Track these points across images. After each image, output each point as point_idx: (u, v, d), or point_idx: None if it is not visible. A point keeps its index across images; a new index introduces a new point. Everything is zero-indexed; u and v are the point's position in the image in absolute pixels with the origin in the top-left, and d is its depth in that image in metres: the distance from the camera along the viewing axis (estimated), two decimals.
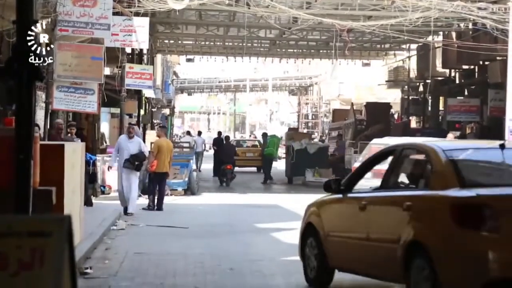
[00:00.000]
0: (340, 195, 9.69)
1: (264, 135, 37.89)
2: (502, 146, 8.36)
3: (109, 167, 21.55)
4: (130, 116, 31.78)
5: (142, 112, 35.07)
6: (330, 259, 9.64)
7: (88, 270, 10.73)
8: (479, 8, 22.96)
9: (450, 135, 24.47)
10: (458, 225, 7.47)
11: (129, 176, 19.03)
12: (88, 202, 17.94)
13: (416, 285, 7.88)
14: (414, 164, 9.06)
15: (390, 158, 9.36)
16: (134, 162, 18.95)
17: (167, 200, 23.07)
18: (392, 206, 8.70)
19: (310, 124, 72.01)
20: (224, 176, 30.19)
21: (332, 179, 10.49)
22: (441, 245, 7.61)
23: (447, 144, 9.36)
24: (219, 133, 40.53)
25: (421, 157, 8.80)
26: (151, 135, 34.49)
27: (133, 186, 19.22)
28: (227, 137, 36.26)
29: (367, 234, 8.91)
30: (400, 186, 8.99)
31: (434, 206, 7.99)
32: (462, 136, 31.76)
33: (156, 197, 20.30)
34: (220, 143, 35.46)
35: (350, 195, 9.56)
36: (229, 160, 30.68)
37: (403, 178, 9.11)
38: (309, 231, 10.10)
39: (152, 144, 20.96)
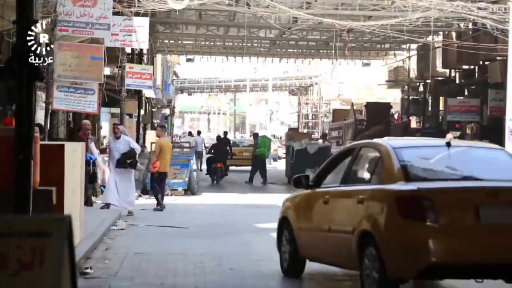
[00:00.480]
0: (310, 190, 10.48)
1: (255, 135, 38.02)
2: (448, 144, 9.22)
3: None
4: (130, 116, 31.80)
5: (142, 112, 35.09)
6: (301, 250, 10.40)
7: (88, 270, 10.72)
8: (479, 8, 22.96)
9: (449, 135, 24.48)
10: (401, 216, 8.28)
11: (123, 176, 18.92)
12: (88, 202, 17.95)
13: (367, 272, 8.60)
14: (370, 160, 9.66)
15: (351, 156, 10.06)
16: (126, 160, 18.86)
17: (167, 200, 23.05)
18: (349, 200, 9.44)
19: (310, 124, 72.05)
20: (214, 174, 31.14)
21: (301, 175, 11.03)
22: (387, 234, 8.39)
23: (398, 142, 9.97)
24: (225, 133, 40.77)
25: (375, 154, 9.40)
26: (151, 135, 34.52)
27: (130, 184, 19.14)
28: (219, 137, 36.91)
29: (329, 226, 9.68)
30: (357, 181, 9.70)
31: (381, 199, 8.72)
32: (462, 136, 31.77)
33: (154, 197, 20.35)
34: (226, 142, 36.07)
35: (317, 190, 10.31)
36: (221, 159, 31.73)
37: (360, 173, 9.89)
38: (284, 225, 10.94)
39: (153, 145, 20.89)
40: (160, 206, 20.13)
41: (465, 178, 8.93)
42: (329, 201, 9.84)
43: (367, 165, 9.77)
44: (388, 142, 9.73)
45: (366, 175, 9.67)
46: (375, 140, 10.17)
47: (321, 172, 10.69)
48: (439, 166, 9.21)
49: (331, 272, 10.84)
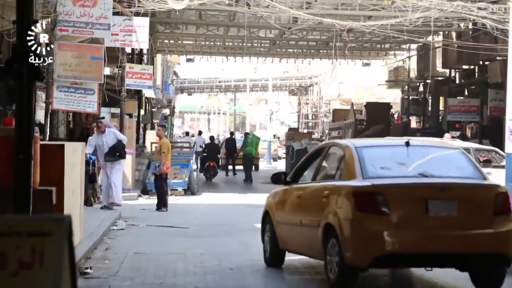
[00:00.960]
0: (287, 186, 11.28)
1: (245, 134, 38.14)
2: (407, 144, 9.98)
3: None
4: (130, 116, 31.77)
5: (142, 112, 35.09)
6: (280, 242, 11.19)
7: (88, 270, 10.72)
8: (479, 8, 22.94)
9: (447, 135, 24.51)
10: (357, 209, 9.09)
11: (112, 168, 18.86)
12: (88, 202, 17.94)
13: (330, 260, 9.48)
14: (336, 159, 10.42)
15: (321, 154, 10.94)
16: (115, 153, 18.76)
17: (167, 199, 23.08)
18: (316, 195, 10.21)
19: (310, 124, 72.03)
20: (207, 172, 32.26)
21: (279, 172, 12.09)
22: (345, 226, 9.20)
23: (361, 142, 10.91)
24: (232, 133, 41.01)
25: (341, 153, 10.21)
26: (151, 135, 34.49)
27: (116, 176, 19.00)
28: (212, 137, 38.30)
29: (301, 220, 10.50)
30: (325, 178, 10.56)
31: (341, 194, 9.53)
32: (462, 136, 31.77)
33: (159, 197, 20.19)
34: (232, 143, 37.49)
35: (293, 186, 11.13)
36: (213, 158, 33.27)
37: (327, 171, 10.72)
38: (266, 218, 11.76)
39: (159, 146, 20.57)
40: (166, 207, 19.98)
41: (418, 175, 9.61)
42: (301, 196, 10.71)
43: (333, 163, 10.50)
44: (352, 142, 10.86)
45: (332, 172, 10.46)
46: (341, 140, 11.35)
47: (297, 169, 11.51)
48: (396, 164, 9.91)
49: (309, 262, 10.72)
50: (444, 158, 10.33)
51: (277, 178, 11.50)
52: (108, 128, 19.37)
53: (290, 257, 11.48)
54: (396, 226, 8.95)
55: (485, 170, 21.14)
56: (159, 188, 20.18)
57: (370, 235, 8.98)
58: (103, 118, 19.70)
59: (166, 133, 26.00)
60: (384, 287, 10.83)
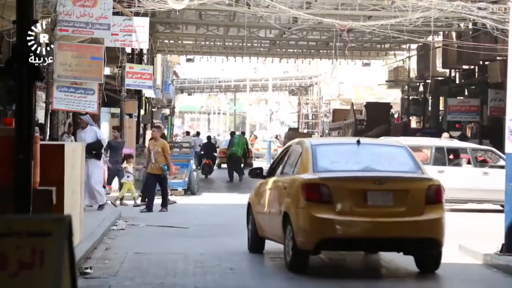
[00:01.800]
0: (263, 180, 12.61)
1: (231, 134, 38.20)
2: (358, 142, 11.41)
3: (109, 167, 21.56)
4: (130, 116, 31.79)
5: (142, 112, 35.10)
6: (259, 230, 12.42)
7: (88, 270, 10.71)
8: (479, 8, 22.94)
9: (445, 135, 24.55)
10: (305, 199, 10.41)
11: (90, 168, 17.96)
12: None
13: (287, 244, 10.80)
14: (297, 155, 11.58)
15: (288, 151, 12.25)
16: (90, 151, 17.94)
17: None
18: (279, 187, 11.53)
19: (310, 124, 72.03)
20: (203, 170, 33.87)
21: (256, 167, 13.67)
22: (296, 214, 10.55)
23: (317, 141, 12.96)
24: (243, 133, 41.21)
25: (300, 150, 11.50)
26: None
27: (94, 177, 18.34)
28: (209, 137, 39.23)
29: (269, 210, 11.85)
30: (287, 172, 11.75)
31: (294, 186, 10.80)
32: (462, 136, 31.77)
33: (151, 199, 19.99)
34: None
35: (268, 179, 12.36)
36: (209, 157, 34.94)
37: (290, 166, 11.82)
38: (249, 210, 13.06)
39: (160, 148, 20.11)
40: (166, 208, 19.92)
41: (362, 170, 10.87)
42: (270, 189, 11.99)
43: (294, 159, 11.65)
44: (310, 140, 12.32)
45: (292, 167, 11.61)
46: (303, 139, 12.44)
47: (272, 164, 12.98)
48: (344, 160, 11.22)
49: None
50: (389, 155, 11.50)
51: (254, 173, 12.99)
52: (90, 126, 19.03)
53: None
54: (339, 214, 10.25)
55: (481, 169, 21.24)
56: (164, 189, 20.08)
57: (316, 222, 10.29)
58: (85, 114, 19.18)
59: (166, 133, 25.93)
60: (342, 269, 11.88)
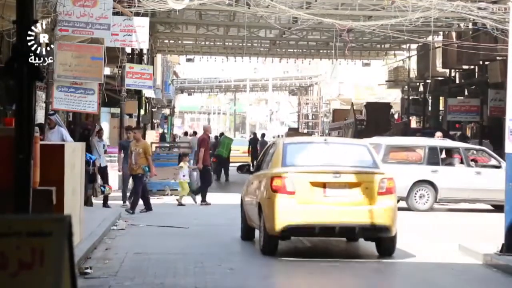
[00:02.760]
0: (250, 175, 14.16)
1: (220, 135, 38.25)
2: (325, 141, 13.49)
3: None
4: (130, 116, 31.82)
5: (142, 112, 35.10)
6: (247, 220, 13.76)
7: (88, 270, 10.71)
8: (479, 8, 22.95)
9: (438, 134, 24.58)
10: (272, 190, 11.93)
11: None
12: (88, 202, 17.92)
13: (261, 230, 12.31)
14: (273, 152, 12.99)
15: (268, 149, 13.67)
16: None
17: (168, 200, 23.10)
18: (258, 181, 12.98)
19: (310, 124, 72.02)
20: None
21: (243, 163, 15.52)
22: (265, 203, 12.11)
23: (289, 140, 14.32)
24: (254, 134, 41.24)
25: (275, 148, 13.00)
26: (152, 135, 34.52)
27: None
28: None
29: (251, 200, 13.26)
30: (265, 167, 13.06)
31: (265, 179, 12.34)
32: (462, 136, 31.78)
33: (136, 200, 19.70)
34: (255, 142, 39.16)
35: (254, 174, 13.84)
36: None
37: (267, 162, 13.11)
38: (241, 202, 14.43)
39: (142, 149, 19.73)
40: (133, 210, 19.17)
41: (323, 165, 12.23)
42: (253, 182, 13.49)
43: (270, 156, 13.01)
44: (283, 139, 14.20)
45: (268, 163, 12.94)
46: (278, 138, 14.31)
47: (258, 161, 14.41)
48: (311, 157, 12.54)
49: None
50: (351, 152, 12.75)
51: (243, 169, 14.76)
52: (58, 127, 18.36)
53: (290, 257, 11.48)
54: (299, 203, 11.75)
55: (474, 169, 21.30)
56: (142, 191, 19.48)
57: (280, 210, 11.78)
58: (53, 114, 18.75)
59: (166, 133, 25.86)
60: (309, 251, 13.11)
